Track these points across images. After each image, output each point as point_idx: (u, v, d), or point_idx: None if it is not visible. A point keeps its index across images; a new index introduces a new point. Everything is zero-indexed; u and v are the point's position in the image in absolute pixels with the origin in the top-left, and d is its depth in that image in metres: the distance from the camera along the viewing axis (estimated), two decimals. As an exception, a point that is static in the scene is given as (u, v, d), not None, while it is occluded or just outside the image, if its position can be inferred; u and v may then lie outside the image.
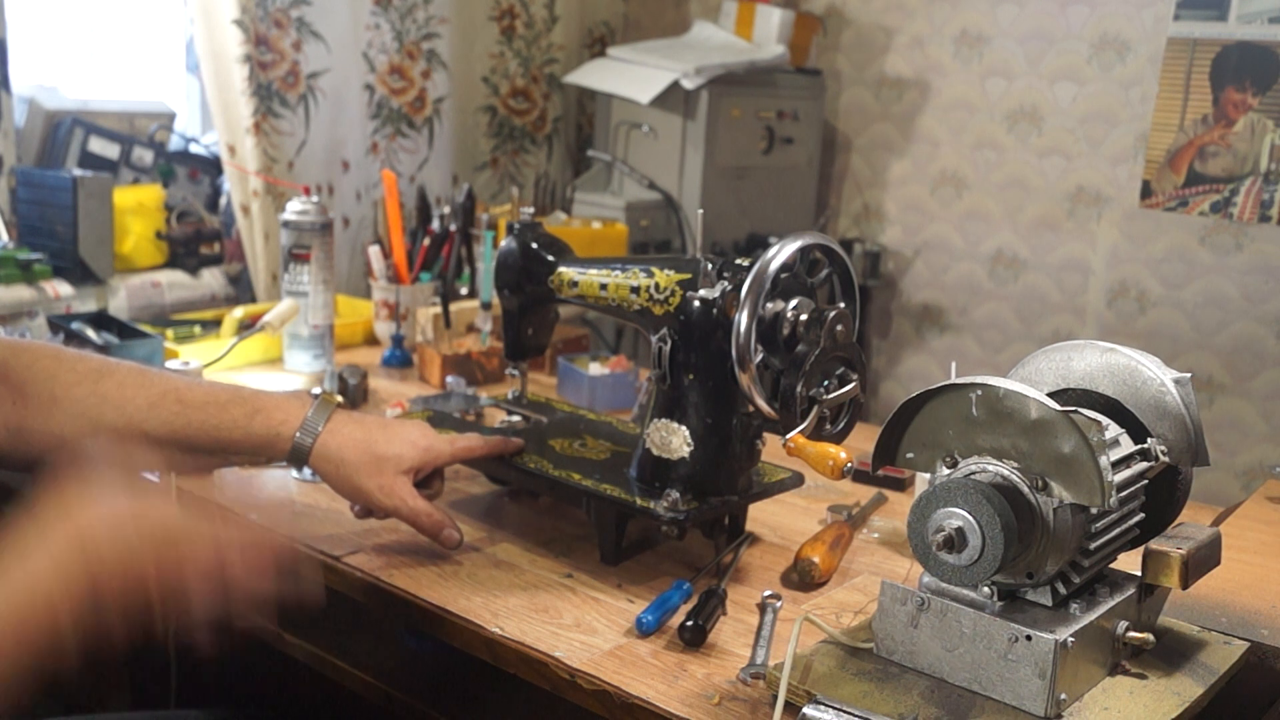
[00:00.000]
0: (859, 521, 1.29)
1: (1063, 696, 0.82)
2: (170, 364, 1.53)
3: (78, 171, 1.99)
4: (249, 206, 2.25)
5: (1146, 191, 2.49)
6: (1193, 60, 2.39)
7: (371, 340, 1.99)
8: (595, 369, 1.71)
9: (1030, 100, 2.63)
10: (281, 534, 0.93)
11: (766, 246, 1.07)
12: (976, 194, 2.75)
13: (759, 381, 1.05)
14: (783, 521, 1.29)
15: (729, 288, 1.10)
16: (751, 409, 1.08)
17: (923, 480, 1.32)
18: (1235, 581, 1.06)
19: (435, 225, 2.01)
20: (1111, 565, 0.93)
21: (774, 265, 1.04)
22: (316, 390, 1.40)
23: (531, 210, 1.33)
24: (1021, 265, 2.70)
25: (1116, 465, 0.86)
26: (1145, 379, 0.92)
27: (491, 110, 2.80)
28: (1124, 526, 0.90)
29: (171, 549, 0.82)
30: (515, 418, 1.36)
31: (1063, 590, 0.87)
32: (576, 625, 1.03)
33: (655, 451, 1.15)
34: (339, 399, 1.15)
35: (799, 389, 1.03)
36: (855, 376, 1.08)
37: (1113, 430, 0.91)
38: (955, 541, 0.82)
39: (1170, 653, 0.92)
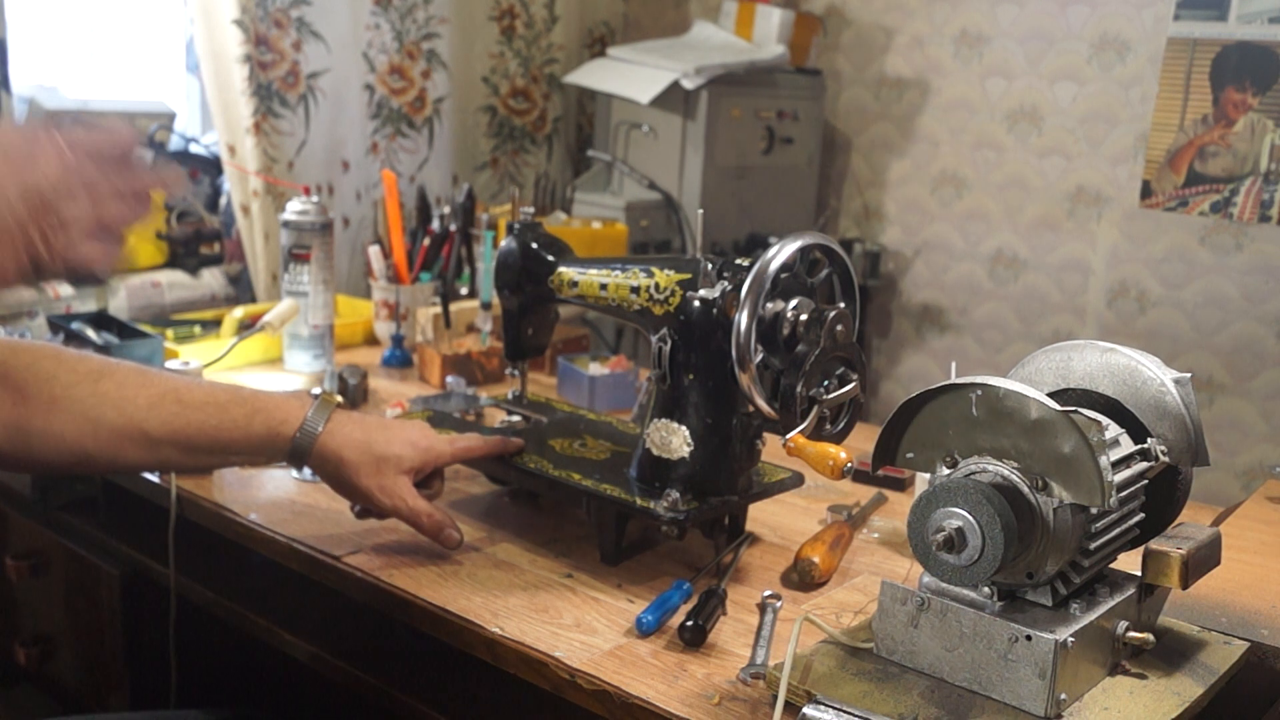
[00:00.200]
0: (859, 521, 1.29)
1: (1063, 696, 0.82)
2: (170, 364, 1.53)
3: (78, 171, 1.99)
4: (249, 206, 2.25)
5: (1146, 191, 2.49)
6: (1193, 60, 2.39)
7: (371, 340, 1.99)
8: (595, 369, 1.71)
9: (1030, 100, 2.63)
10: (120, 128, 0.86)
11: (766, 246, 1.07)
12: (976, 194, 2.75)
13: (759, 381, 1.05)
14: (783, 521, 1.29)
15: (729, 288, 1.10)
16: (751, 409, 1.08)
17: (923, 480, 1.32)
18: (1235, 581, 1.06)
19: (435, 225, 2.01)
20: (1111, 565, 0.93)
21: (774, 265, 1.04)
22: (316, 390, 1.40)
23: (531, 210, 1.33)
24: (1021, 265, 2.70)
25: (1116, 465, 0.86)
26: (1145, 379, 0.92)
27: (491, 110, 2.80)
28: (1124, 526, 0.90)
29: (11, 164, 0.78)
30: (515, 418, 1.36)
31: (1063, 590, 0.87)
32: (576, 625, 1.03)
33: (655, 451, 1.15)
34: (339, 399, 1.15)
35: (799, 389, 1.03)
36: (855, 376, 1.08)
37: (1113, 430, 0.91)
38: (955, 541, 0.82)
39: (1170, 653, 0.92)
